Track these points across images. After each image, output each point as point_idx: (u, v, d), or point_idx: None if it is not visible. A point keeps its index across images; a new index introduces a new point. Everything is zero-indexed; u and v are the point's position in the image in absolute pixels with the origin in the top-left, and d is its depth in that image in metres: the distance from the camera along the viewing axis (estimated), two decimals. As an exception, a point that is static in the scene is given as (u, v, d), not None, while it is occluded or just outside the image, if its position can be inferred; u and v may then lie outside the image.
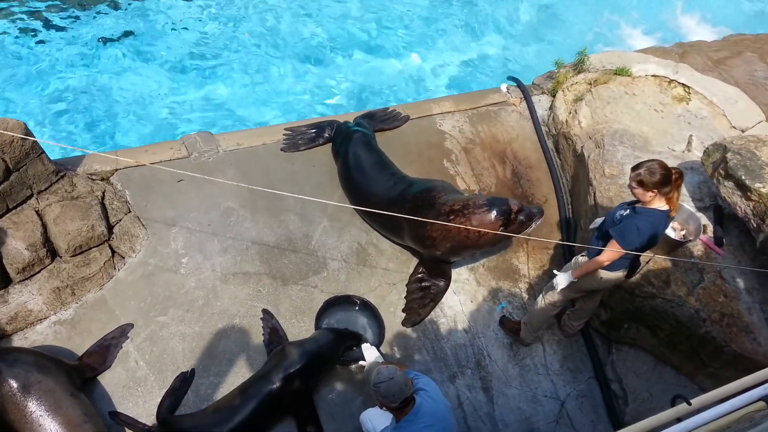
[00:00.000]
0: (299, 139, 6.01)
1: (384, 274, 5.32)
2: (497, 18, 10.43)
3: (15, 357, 3.85)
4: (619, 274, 4.32)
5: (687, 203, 5.13)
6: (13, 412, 3.70)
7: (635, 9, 11.05)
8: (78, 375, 4.17)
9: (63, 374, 3.98)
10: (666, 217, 4.02)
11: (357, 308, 5.05)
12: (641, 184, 3.91)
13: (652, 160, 3.97)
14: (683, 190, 5.34)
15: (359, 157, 5.60)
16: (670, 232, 4.84)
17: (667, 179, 3.86)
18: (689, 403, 3.07)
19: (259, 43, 8.95)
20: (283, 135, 6.02)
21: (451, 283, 5.37)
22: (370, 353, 4.51)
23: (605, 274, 4.28)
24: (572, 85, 6.73)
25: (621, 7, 11.05)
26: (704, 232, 5.03)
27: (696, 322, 4.69)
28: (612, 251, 4.08)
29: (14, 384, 3.69)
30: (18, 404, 3.69)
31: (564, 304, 4.77)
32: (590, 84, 6.60)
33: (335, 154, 5.88)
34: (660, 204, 3.97)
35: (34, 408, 3.68)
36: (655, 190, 3.89)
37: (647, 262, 4.80)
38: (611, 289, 4.68)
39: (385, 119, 6.37)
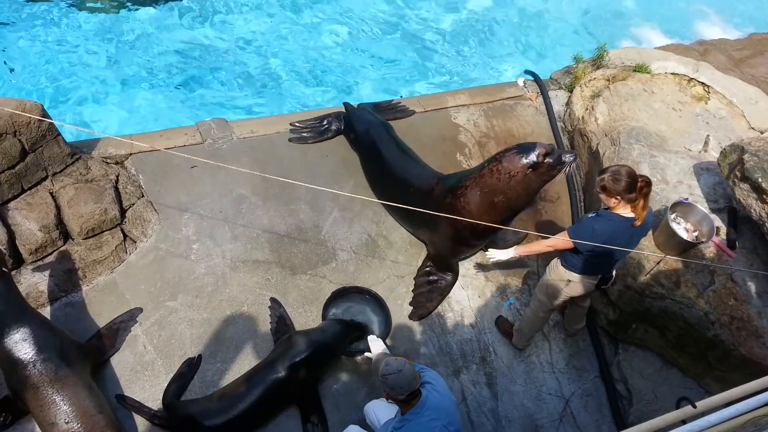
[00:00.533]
0: (306, 132, 5.98)
1: (393, 267, 5.33)
2: (516, 10, 10.33)
3: (50, 350, 3.81)
4: (586, 281, 4.28)
5: (701, 204, 5.07)
6: (33, 402, 3.74)
7: (657, 5, 10.89)
8: (93, 360, 4.24)
9: (84, 366, 4.04)
10: (630, 226, 3.93)
11: (364, 300, 5.05)
12: (604, 189, 3.87)
13: (620, 166, 3.91)
14: (698, 190, 5.29)
15: (389, 144, 5.62)
16: (682, 233, 4.80)
17: (631, 187, 3.80)
18: (694, 406, 3.05)
19: (273, 34, 8.94)
20: (290, 129, 5.98)
21: (460, 278, 5.36)
22: (375, 345, 4.52)
23: (573, 277, 4.26)
24: (590, 80, 6.66)
25: (642, 3, 10.90)
26: (717, 234, 4.97)
27: (705, 325, 4.65)
28: (558, 239, 4.11)
29: (43, 379, 3.72)
30: (40, 397, 3.71)
31: (550, 312, 4.73)
32: (608, 80, 6.53)
33: (355, 140, 5.87)
34: (624, 211, 3.92)
35: (56, 400, 3.71)
36: (619, 197, 3.85)
37: (658, 263, 4.76)
38: (586, 295, 4.63)
39: (387, 110, 6.36)
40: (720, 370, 4.78)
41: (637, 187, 3.80)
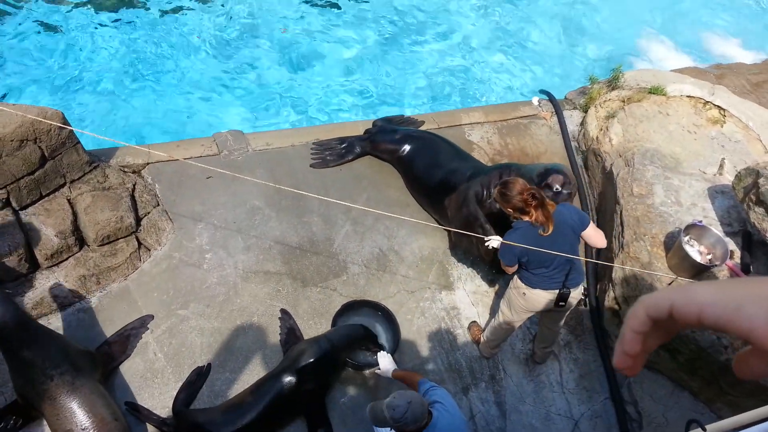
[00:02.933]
0: (328, 155, 6.01)
1: (403, 282, 5.34)
2: (532, 30, 10.39)
3: (64, 362, 3.86)
4: (541, 295, 4.26)
5: (715, 227, 5.04)
6: (49, 412, 3.79)
7: (674, 28, 10.90)
8: (105, 369, 4.28)
9: (97, 376, 4.09)
10: (540, 234, 4.00)
11: (374, 314, 5.05)
12: (496, 200, 4.12)
13: (514, 181, 4.04)
14: (712, 213, 5.27)
15: (443, 141, 5.89)
16: (696, 255, 4.77)
17: (518, 203, 3.96)
18: (704, 429, 3.01)
19: (289, 48, 9.06)
20: (311, 150, 6.02)
21: (471, 295, 5.37)
22: (384, 360, 4.51)
23: (527, 290, 4.28)
24: (605, 101, 6.67)
25: (659, 25, 10.92)
26: (731, 257, 4.93)
27: (717, 349, 4.60)
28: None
29: (61, 390, 3.77)
30: (57, 407, 3.77)
31: (511, 325, 4.65)
32: (623, 101, 6.54)
33: (396, 151, 5.93)
34: (526, 218, 4.03)
35: (72, 410, 3.76)
36: (509, 210, 4.03)
37: (669, 284, 4.73)
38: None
39: (399, 124, 6.42)
40: (732, 395, 4.72)
41: (523, 202, 3.95)
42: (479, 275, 5.52)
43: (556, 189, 4.66)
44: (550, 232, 3.99)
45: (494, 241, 4.46)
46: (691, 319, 0.73)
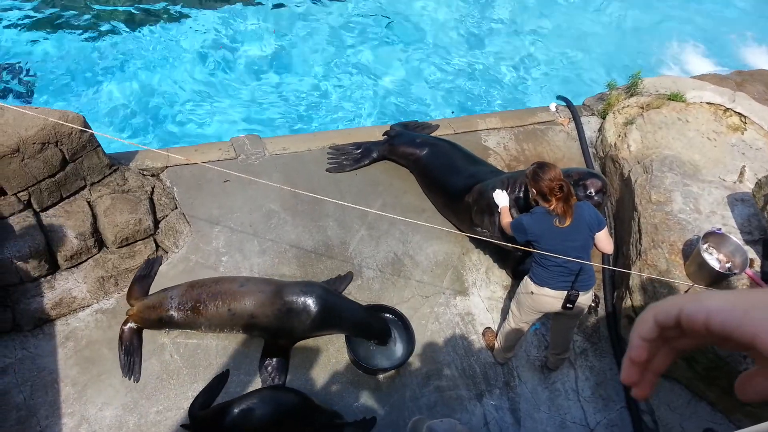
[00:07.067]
0: (344, 159, 6.05)
1: (418, 287, 5.33)
2: (550, 36, 10.35)
3: None
4: (549, 294, 4.23)
5: (735, 235, 4.98)
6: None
7: (694, 34, 10.80)
8: None
9: None
10: (555, 225, 4.04)
11: (389, 319, 5.04)
12: (528, 177, 4.20)
13: (550, 166, 4.11)
14: (731, 221, 5.20)
15: (458, 149, 5.93)
16: (714, 263, 4.71)
17: (545, 187, 4.03)
18: (719, 438, 2.99)
19: (305, 54, 9.11)
20: (327, 154, 6.08)
21: (485, 301, 5.35)
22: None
23: (535, 289, 4.27)
24: (623, 107, 6.62)
25: (679, 32, 10.82)
26: (751, 266, 4.86)
27: (736, 358, 4.53)
28: (508, 220, 4.46)
29: None
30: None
31: (520, 327, 4.63)
32: (642, 108, 6.49)
33: (412, 155, 5.97)
34: (546, 205, 4.09)
35: None
36: (534, 190, 4.09)
37: (686, 291, 4.68)
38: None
39: (415, 129, 6.45)
40: (751, 406, 4.64)
41: (549, 189, 4.01)
42: (494, 281, 5.50)
43: (589, 192, 4.77)
44: (566, 225, 4.03)
45: (501, 196, 4.76)
46: (698, 326, 0.74)
